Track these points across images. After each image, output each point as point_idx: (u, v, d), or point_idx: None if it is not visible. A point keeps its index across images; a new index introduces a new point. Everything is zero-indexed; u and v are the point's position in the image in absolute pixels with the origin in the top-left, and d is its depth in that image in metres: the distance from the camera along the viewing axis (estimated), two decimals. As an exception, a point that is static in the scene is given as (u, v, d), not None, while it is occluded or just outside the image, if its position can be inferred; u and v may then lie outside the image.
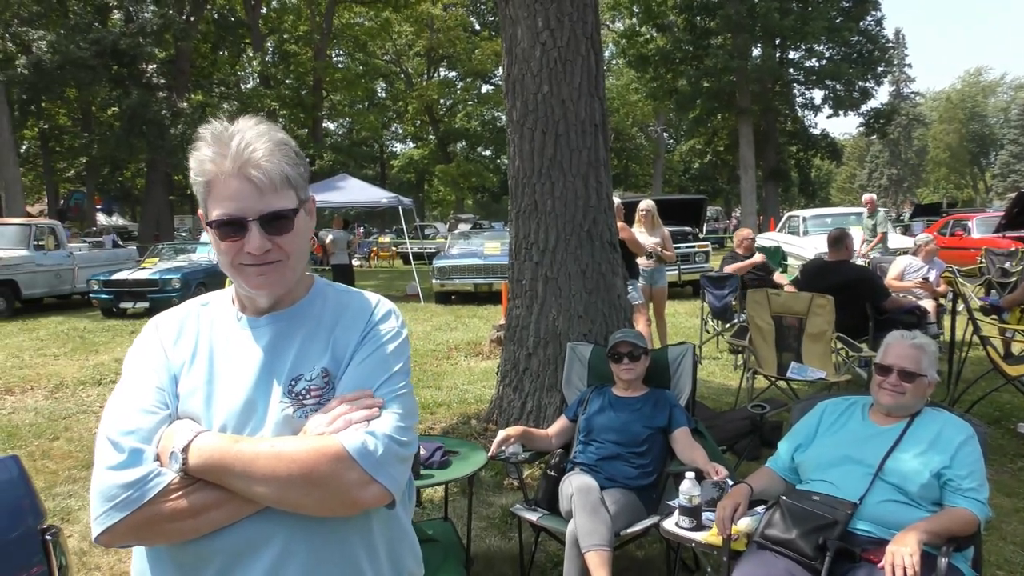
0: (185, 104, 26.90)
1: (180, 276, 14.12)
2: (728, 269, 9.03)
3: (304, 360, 1.39)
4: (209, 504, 1.26)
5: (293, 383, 1.37)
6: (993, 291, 9.84)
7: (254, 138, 1.34)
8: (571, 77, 5.35)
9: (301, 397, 1.36)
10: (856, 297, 6.63)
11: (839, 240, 7.04)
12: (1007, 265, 11.27)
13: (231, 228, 1.34)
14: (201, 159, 1.35)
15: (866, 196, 13.45)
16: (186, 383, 1.39)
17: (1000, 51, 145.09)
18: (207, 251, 16.00)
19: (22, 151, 31.63)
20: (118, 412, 1.33)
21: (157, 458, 1.29)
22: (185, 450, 1.27)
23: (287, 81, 34.97)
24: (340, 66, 39.65)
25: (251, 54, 33.33)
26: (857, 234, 15.55)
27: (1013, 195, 17.40)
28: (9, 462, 2.46)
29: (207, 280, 14.51)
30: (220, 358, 1.41)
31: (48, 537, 2.30)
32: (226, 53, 36.33)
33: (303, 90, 35.02)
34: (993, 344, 6.16)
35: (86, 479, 5.26)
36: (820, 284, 6.70)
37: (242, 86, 38.70)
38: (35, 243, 15.06)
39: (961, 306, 7.19)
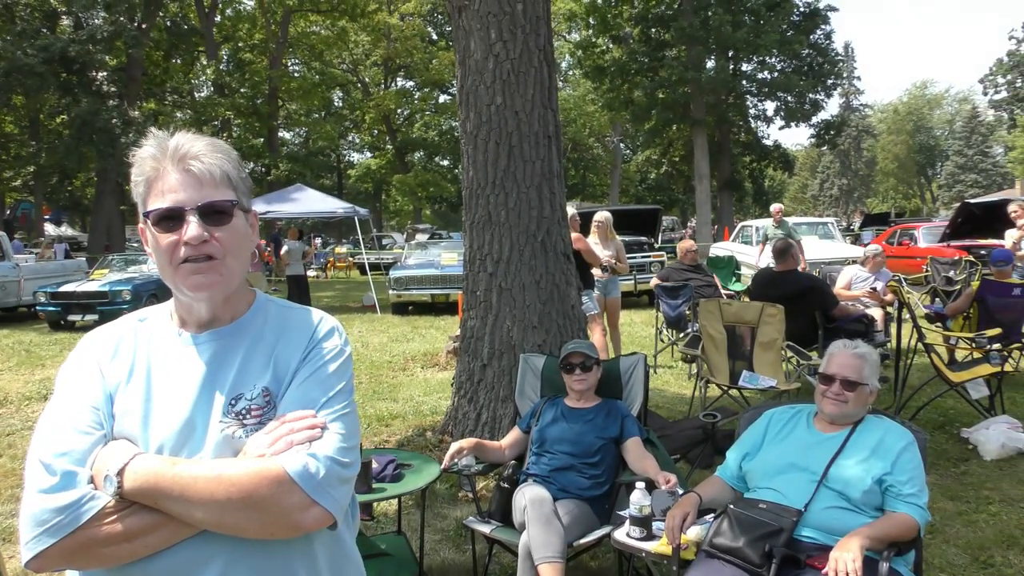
0: (137, 112, 26.45)
1: (131, 288, 13.84)
2: (653, 282, 9.41)
3: (245, 378, 1.37)
4: (145, 528, 1.24)
5: (233, 402, 1.35)
6: (938, 299, 10.09)
7: (193, 138, 1.38)
8: (524, 89, 5.38)
9: (241, 416, 1.34)
10: (806, 306, 6.77)
11: (784, 251, 7.18)
12: (951, 274, 11.59)
13: (169, 220, 1.33)
14: (142, 157, 1.38)
15: (774, 206, 13.68)
16: (122, 402, 1.35)
17: (944, 65, 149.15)
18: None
19: (-34, 160, 30.83)
20: (51, 432, 1.30)
21: (91, 481, 1.26)
22: (120, 473, 1.24)
23: (242, 90, 34.59)
24: (296, 75, 39.36)
25: (205, 62, 32.97)
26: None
27: (958, 205, 17.88)
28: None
29: (159, 292, 14.21)
30: (158, 376, 1.38)
31: (-15, 559, 2.24)
32: (179, 61, 35.88)
33: (258, 99, 34.70)
34: (937, 351, 6.32)
35: (30, 497, 5.12)
36: (771, 294, 6.82)
37: (196, 94, 38.24)
38: (-21, 254, 14.70)
39: (906, 314, 7.36)
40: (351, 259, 31.05)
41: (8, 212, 36.16)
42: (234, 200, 1.38)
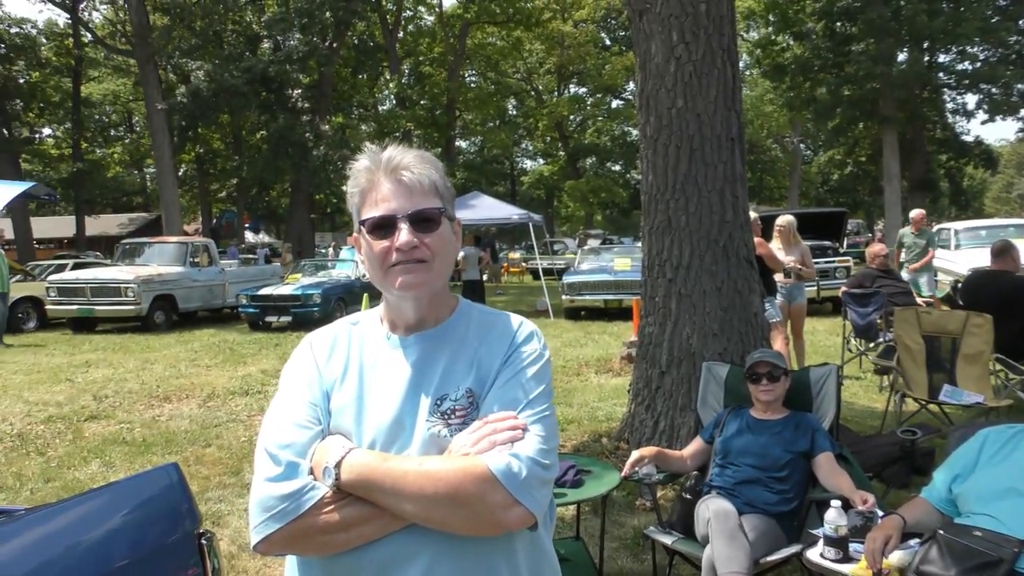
0: (327, 127, 28.18)
1: (320, 292, 14.73)
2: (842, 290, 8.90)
3: (449, 380, 1.42)
4: (359, 519, 1.30)
5: (439, 402, 1.40)
6: None
7: (404, 150, 1.45)
8: (706, 91, 5.26)
9: (447, 416, 1.39)
10: (1020, 311, 6.19)
11: (1004, 251, 6.66)
12: None
13: (382, 227, 1.41)
14: (357, 170, 1.46)
15: (915, 212, 12.57)
16: (337, 399, 1.44)
17: None
18: (346, 268, 16.66)
19: (180, 174, 33.97)
20: (276, 426, 1.39)
21: (311, 472, 1.34)
22: (338, 466, 1.31)
23: (422, 102, 36.10)
24: (472, 85, 40.54)
25: (388, 77, 34.61)
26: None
27: None
28: (170, 469, 2.61)
29: (345, 296, 15.09)
30: (369, 376, 1.46)
31: (203, 541, 2.43)
32: (365, 77, 37.88)
33: (437, 110, 36.05)
34: None
35: (235, 485, 5.55)
36: (979, 295, 6.32)
37: (379, 108, 40.24)
38: (191, 260, 16.12)
39: None
40: (524, 264, 31.55)
41: (214, 221, 39.56)
42: (442, 208, 1.44)
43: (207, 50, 26.25)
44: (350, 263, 16.85)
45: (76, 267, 18.37)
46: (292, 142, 26.14)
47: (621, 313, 14.51)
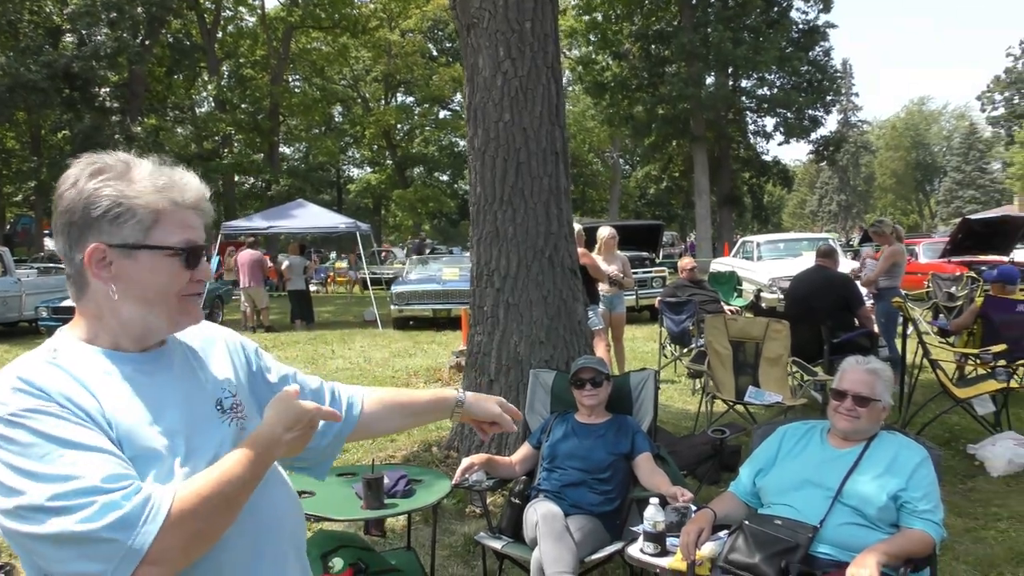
0: (139, 128, 26.53)
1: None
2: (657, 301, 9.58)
3: (211, 382, 1.46)
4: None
5: (219, 403, 1.43)
6: (941, 315, 10.11)
7: (192, 176, 1.42)
8: (532, 106, 5.42)
9: (236, 411, 1.44)
10: (837, 300, 7.00)
11: (829, 253, 7.60)
12: (953, 289, 11.60)
13: (191, 255, 1.37)
14: (157, 186, 1.35)
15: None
16: (132, 441, 1.24)
17: (941, 82, 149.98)
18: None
19: (-33, 175, 30.87)
20: (67, 470, 1.12)
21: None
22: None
23: (243, 105, 34.68)
24: (297, 91, 39.46)
25: (207, 78, 33.08)
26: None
27: (957, 221, 17.93)
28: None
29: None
30: (134, 402, 1.29)
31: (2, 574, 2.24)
32: (181, 77, 36.01)
33: (259, 114, 34.76)
34: (943, 367, 6.33)
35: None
36: (809, 286, 7.26)
37: (197, 110, 38.36)
38: (-19, 269, 14.68)
39: (911, 329, 7.37)
40: (351, 274, 31.05)
41: (8, 227, 36.16)
42: None
43: (0, 41, 24.08)
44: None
45: None
46: (99, 143, 24.03)
47: (450, 322, 14.60)
